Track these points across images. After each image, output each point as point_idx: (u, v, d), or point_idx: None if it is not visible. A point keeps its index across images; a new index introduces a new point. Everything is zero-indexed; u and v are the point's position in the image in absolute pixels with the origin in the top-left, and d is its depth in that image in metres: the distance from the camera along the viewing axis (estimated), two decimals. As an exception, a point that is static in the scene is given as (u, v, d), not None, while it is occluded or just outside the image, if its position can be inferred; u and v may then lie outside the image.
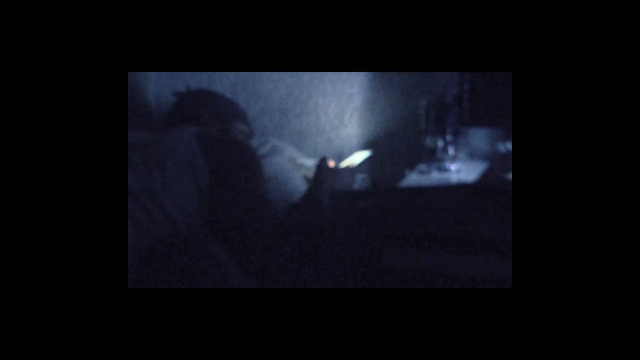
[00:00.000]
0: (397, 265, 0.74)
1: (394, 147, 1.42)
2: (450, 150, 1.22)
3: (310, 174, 1.21)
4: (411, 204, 0.78)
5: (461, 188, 0.89)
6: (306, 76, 1.45)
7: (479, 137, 1.28)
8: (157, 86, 1.54)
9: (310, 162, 1.31)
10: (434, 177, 1.17)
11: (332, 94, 1.44)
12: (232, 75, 1.49)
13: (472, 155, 1.28)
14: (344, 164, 1.11)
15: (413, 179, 1.16)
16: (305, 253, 0.88)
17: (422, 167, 1.22)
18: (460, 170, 1.20)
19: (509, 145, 1.22)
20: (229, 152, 0.93)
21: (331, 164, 1.06)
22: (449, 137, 1.22)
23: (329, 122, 1.46)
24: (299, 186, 1.19)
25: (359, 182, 1.41)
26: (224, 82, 1.49)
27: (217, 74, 1.49)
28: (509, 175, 1.00)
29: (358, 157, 1.12)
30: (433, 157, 1.21)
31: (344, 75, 1.43)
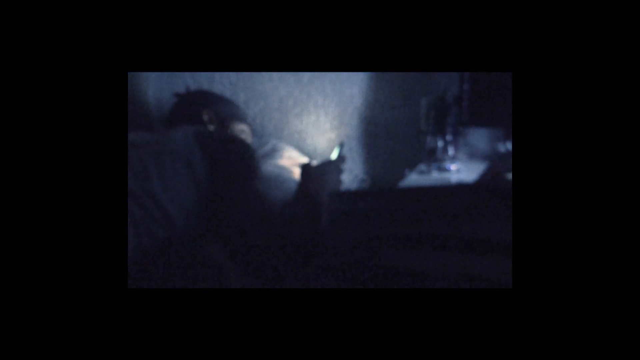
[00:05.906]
0: (396, 265, 0.74)
1: (394, 147, 1.42)
2: (450, 150, 1.22)
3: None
4: (411, 204, 0.78)
5: (461, 188, 0.89)
6: (306, 76, 1.45)
7: (479, 137, 1.27)
8: (157, 86, 1.54)
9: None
10: (434, 177, 1.17)
11: (332, 94, 1.44)
12: (232, 75, 1.49)
13: (472, 155, 1.28)
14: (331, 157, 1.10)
15: (413, 179, 1.16)
16: (303, 253, 0.88)
17: (422, 167, 1.22)
18: (460, 170, 1.20)
19: (509, 145, 1.22)
20: (227, 149, 0.93)
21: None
22: (449, 137, 1.21)
23: (329, 122, 1.46)
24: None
25: (359, 182, 1.41)
26: (224, 82, 1.49)
27: (217, 74, 1.49)
28: (509, 175, 0.99)
29: (334, 152, 1.11)
30: (433, 157, 1.21)
31: (344, 75, 1.43)
